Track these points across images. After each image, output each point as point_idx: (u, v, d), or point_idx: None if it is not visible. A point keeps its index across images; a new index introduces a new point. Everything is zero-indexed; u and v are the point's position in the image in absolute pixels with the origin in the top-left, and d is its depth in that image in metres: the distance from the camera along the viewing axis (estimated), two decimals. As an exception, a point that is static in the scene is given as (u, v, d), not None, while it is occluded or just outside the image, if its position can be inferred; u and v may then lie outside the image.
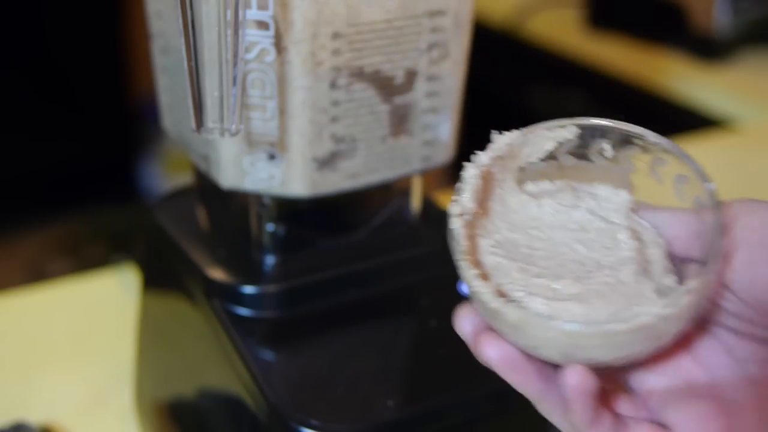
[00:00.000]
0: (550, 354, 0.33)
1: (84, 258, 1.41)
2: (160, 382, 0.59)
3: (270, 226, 0.51)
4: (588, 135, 0.38)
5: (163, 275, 0.56)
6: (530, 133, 0.38)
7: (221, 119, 0.40)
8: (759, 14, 1.32)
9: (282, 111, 0.45)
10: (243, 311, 0.48)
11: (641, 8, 1.40)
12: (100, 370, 0.68)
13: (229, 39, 0.39)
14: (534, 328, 0.32)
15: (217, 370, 0.49)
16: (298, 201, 0.48)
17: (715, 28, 1.29)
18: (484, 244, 0.37)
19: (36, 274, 1.43)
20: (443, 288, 0.52)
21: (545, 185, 0.39)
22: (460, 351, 0.48)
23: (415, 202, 0.55)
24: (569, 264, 0.36)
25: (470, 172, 0.37)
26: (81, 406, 0.65)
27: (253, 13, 0.43)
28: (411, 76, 0.48)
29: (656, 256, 0.36)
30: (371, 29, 0.45)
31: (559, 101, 1.45)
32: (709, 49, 1.30)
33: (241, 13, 0.39)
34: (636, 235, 0.37)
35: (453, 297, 0.51)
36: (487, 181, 0.38)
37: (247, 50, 0.44)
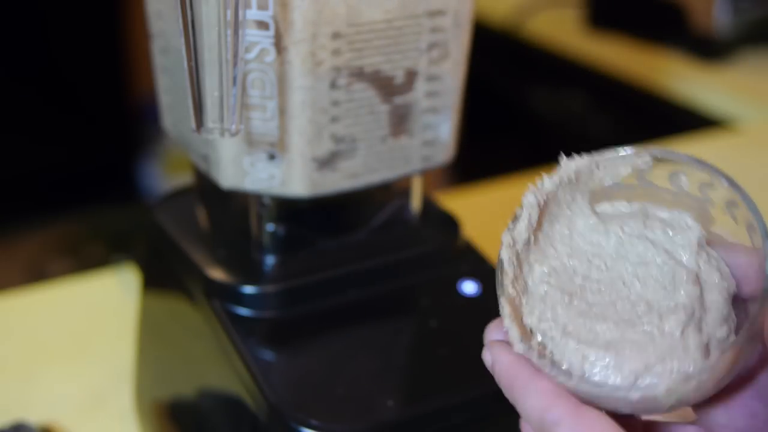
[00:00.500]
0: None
1: (84, 258, 1.41)
2: (160, 382, 0.59)
3: (270, 226, 0.51)
4: (664, 164, 0.37)
5: (163, 275, 0.56)
6: (601, 159, 0.37)
7: (221, 119, 0.40)
8: (759, 14, 1.32)
9: (282, 111, 0.45)
10: (243, 311, 0.48)
11: (641, 8, 1.40)
12: (100, 370, 0.68)
13: (229, 39, 0.39)
14: (549, 374, 0.32)
15: (217, 370, 0.49)
16: (298, 201, 0.48)
17: (715, 28, 1.29)
18: (538, 270, 0.36)
19: (36, 274, 1.43)
20: (443, 288, 0.52)
21: (620, 206, 0.38)
22: (460, 351, 0.48)
23: (415, 202, 0.55)
24: (620, 302, 0.36)
25: (529, 199, 0.36)
26: (81, 406, 0.65)
27: (253, 13, 0.43)
28: (411, 76, 0.48)
29: (716, 303, 0.35)
30: (371, 29, 0.45)
31: (559, 101, 1.45)
32: (709, 49, 1.30)
33: (241, 13, 0.39)
34: (698, 279, 0.35)
35: (453, 297, 0.51)
36: (551, 204, 0.37)
37: (247, 50, 0.44)
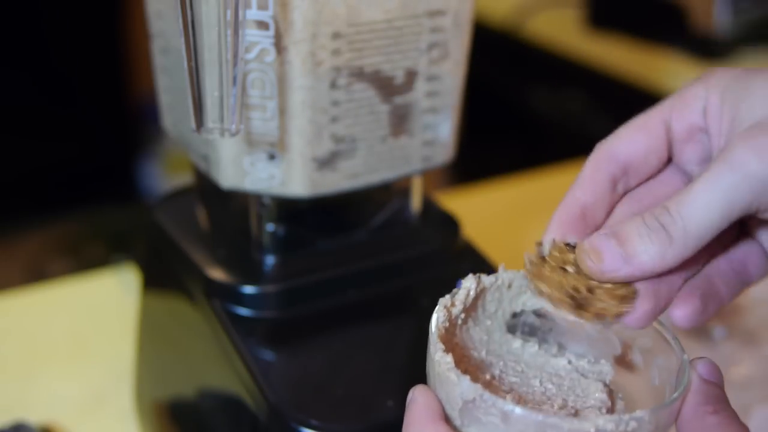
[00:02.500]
0: None
1: (84, 258, 1.41)
2: (160, 382, 0.59)
3: (270, 226, 0.51)
4: None
5: (163, 275, 0.56)
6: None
7: (221, 119, 0.40)
8: (759, 14, 1.32)
9: (282, 111, 0.45)
10: (243, 311, 0.48)
11: (641, 8, 1.40)
12: (100, 370, 0.68)
13: (229, 39, 0.39)
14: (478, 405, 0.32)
15: (217, 370, 0.49)
16: (298, 201, 0.48)
17: (715, 28, 1.29)
18: (458, 353, 0.37)
19: (36, 274, 1.43)
20: (443, 288, 0.52)
21: (533, 339, 0.39)
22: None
23: (415, 202, 0.55)
24: (536, 395, 0.37)
25: (468, 282, 0.38)
26: (81, 406, 0.65)
27: (253, 13, 0.43)
28: (411, 76, 0.48)
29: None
30: (371, 29, 0.45)
31: (559, 101, 1.45)
32: (709, 49, 1.30)
33: (241, 13, 0.39)
34: (611, 396, 0.37)
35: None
36: (478, 303, 0.38)
37: (247, 50, 0.44)
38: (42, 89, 1.86)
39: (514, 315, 0.39)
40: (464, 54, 0.50)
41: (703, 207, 0.33)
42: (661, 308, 0.35)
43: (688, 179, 0.38)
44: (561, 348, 0.39)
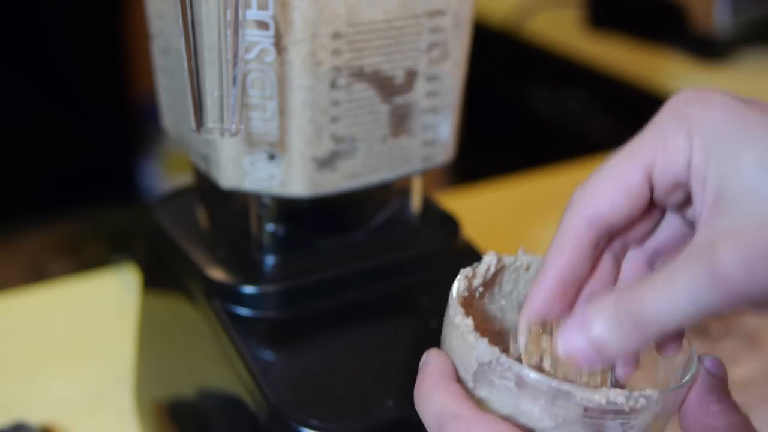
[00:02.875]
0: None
1: (84, 258, 1.41)
2: (160, 382, 0.59)
3: (270, 226, 0.51)
4: None
5: (163, 275, 0.56)
6: None
7: (221, 119, 0.40)
8: (759, 14, 1.32)
9: (282, 111, 0.45)
10: (243, 311, 0.48)
11: (641, 8, 1.40)
12: (100, 370, 0.68)
13: (229, 39, 0.39)
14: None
15: (217, 370, 0.49)
16: (298, 201, 0.48)
17: (715, 28, 1.29)
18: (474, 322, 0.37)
19: (36, 274, 1.43)
20: (443, 288, 0.52)
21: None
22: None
23: (415, 202, 0.55)
24: (546, 373, 0.37)
25: (488, 258, 0.39)
26: (81, 406, 0.65)
27: (253, 13, 0.43)
28: (411, 76, 0.48)
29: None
30: (371, 29, 0.45)
31: (559, 101, 1.45)
32: (709, 49, 1.30)
33: (241, 13, 0.39)
34: (618, 381, 0.38)
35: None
36: (495, 281, 0.39)
37: (247, 50, 0.44)
38: (42, 89, 1.86)
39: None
40: (464, 54, 0.50)
41: (673, 307, 0.31)
42: (634, 355, 0.37)
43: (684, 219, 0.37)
44: None
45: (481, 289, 0.39)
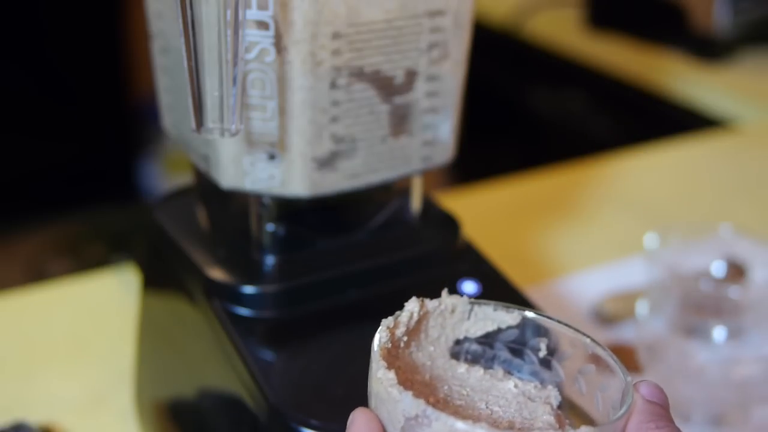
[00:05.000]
0: None
1: (84, 258, 1.41)
2: (160, 382, 0.59)
3: (270, 226, 0.51)
4: (529, 327, 0.38)
5: (163, 275, 0.56)
6: (476, 305, 0.38)
7: (221, 119, 0.40)
8: (759, 14, 1.33)
9: (282, 111, 0.45)
10: (243, 311, 0.48)
11: (641, 8, 1.40)
12: (100, 370, 0.68)
13: (229, 39, 0.39)
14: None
15: (217, 370, 0.49)
16: (298, 201, 0.48)
17: (715, 28, 1.29)
18: (401, 375, 0.36)
19: (36, 274, 1.43)
20: (443, 288, 0.52)
21: (478, 366, 0.39)
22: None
23: (415, 202, 0.55)
24: (482, 417, 0.37)
25: (411, 305, 0.38)
26: (81, 406, 0.65)
27: (253, 13, 0.43)
28: (411, 76, 0.48)
29: None
30: (371, 29, 0.45)
31: (559, 101, 1.45)
32: (709, 49, 1.30)
33: (241, 13, 0.39)
34: (559, 419, 0.37)
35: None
36: (421, 328, 0.38)
37: (247, 50, 0.44)
38: (42, 89, 1.86)
39: (457, 342, 0.39)
40: (464, 54, 0.50)
41: None
42: None
43: None
44: (506, 374, 0.39)
45: (405, 338, 0.37)
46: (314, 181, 0.47)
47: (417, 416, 0.31)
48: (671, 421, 0.35)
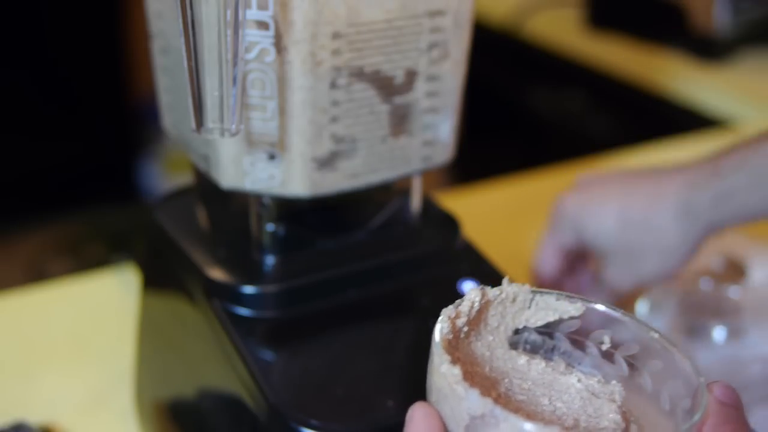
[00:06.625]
0: None
1: (84, 258, 1.41)
2: (160, 382, 0.59)
3: (270, 226, 0.51)
4: (592, 318, 0.37)
5: (163, 275, 0.56)
6: (538, 294, 0.37)
7: (221, 119, 0.40)
8: (759, 14, 1.33)
9: (282, 111, 0.45)
10: (243, 311, 0.48)
11: (641, 8, 1.40)
12: (100, 370, 0.68)
13: (229, 39, 0.39)
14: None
15: (217, 370, 0.49)
16: (298, 201, 0.48)
17: (715, 28, 1.29)
18: (462, 367, 0.35)
19: (36, 274, 1.43)
20: (443, 288, 0.52)
21: (538, 358, 0.38)
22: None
23: (415, 202, 0.55)
24: (546, 413, 0.35)
25: (472, 295, 0.36)
26: (81, 406, 0.65)
27: (253, 13, 0.43)
28: (411, 76, 0.48)
29: None
30: (371, 29, 0.45)
31: (559, 101, 1.45)
32: (709, 49, 1.30)
33: (241, 13, 0.39)
34: (625, 417, 0.35)
35: (453, 297, 0.51)
36: (481, 317, 0.37)
37: (247, 50, 0.44)
38: (42, 89, 1.86)
39: (516, 331, 0.38)
40: (464, 54, 0.50)
41: None
42: None
43: None
44: (568, 366, 0.38)
45: (465, 328, 0.36)
46: (314, 181, 0.47)
47: (483, 415, 0.30)
48: (746, 423, 0.34)
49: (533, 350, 0.38)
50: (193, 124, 0.40)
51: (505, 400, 0.35)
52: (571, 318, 0.37)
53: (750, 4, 1.31)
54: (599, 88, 1.37)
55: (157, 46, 0.52)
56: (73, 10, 1.83)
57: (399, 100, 0.48)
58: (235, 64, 0.39)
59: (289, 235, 0.51)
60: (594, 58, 1.37)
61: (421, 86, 0.48)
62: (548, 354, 0.38)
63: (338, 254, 0.52)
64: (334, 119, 0.46)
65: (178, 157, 1.87)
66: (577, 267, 0.69)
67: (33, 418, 0.61)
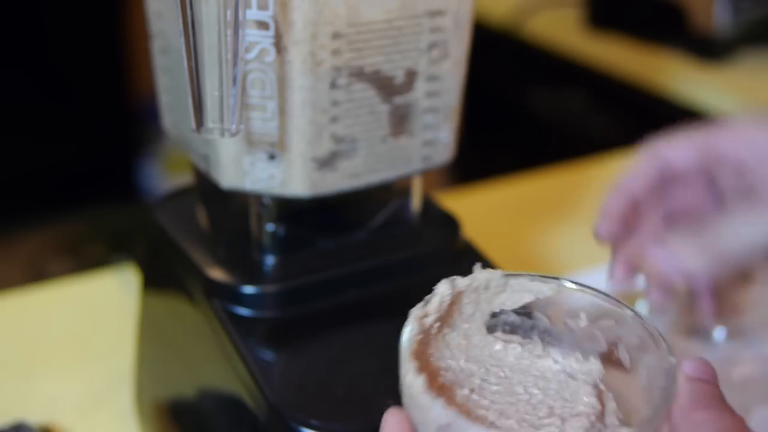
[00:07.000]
0: None
1: (84, 258, 1.41)
2: (160, 382, 0.59)
3: (270, 226, 0.51)
4: (567, 297, 0.37)
5: (163, 275, 0.56)
6: (511, 277, 0.38)
7: (221, 119, 0.40)
8: (759, 14, 1.32)
9: (282, 111, 0.45)
10: (243, 311, 0.48)
11: (641, 8, 1.40)
12: (100, 370, 0.68)
13: (229, 39, 0.39)
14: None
15: (217, 370, 0.49)
16: (298, 201, 0.48)
17: (715, 28, 1.29)
18: (434, 366, 0.36)
19: (36, 274, 1.43)
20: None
21: (515, 339, 0.38)
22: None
23: (415, 202, 0.55)
24: (521, 404, 0.35)
25: (443, 288, 0.37)
26: (81, 406, 0.65)
27: (253, 13, 0.43)
28: (411, 76, 0.48)
29: (613, 423, 0.35)
30: (371, 29, 0.45)
31: (559, 101, 1.45)
32: (709, 49, 1.30)
33: (241, 13, 0.39)
34: (600, 398, 0.36)
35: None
36: (454, 308, 0.37)
37: (247, 50, 0.44)
38: (42, 89, 1.86)
39: (493, 315, 0.38)
40: (464, 54, 0.50)
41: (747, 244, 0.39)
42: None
43: (717, 198, 0.44)
44: (546, 346, 0.38)
45: (437, 324, 0.36)
46: (314, 181, 0.47)
47: (449, 424, 0.31)
48: (721, 399, 0.32)
49: (512, 331, 0.39)
50: (193, 124, 0.40)
51: (479, 393, 0.36)
52: (548, 298, 0.38)
53: (750, 4, 1.31)
54: (599, 88, 1.37)
55: (157, 46, 0.52)
56: (73, 10, 1.83)
57: (399, 100, 0.48)
58: (235, 64, 0.39)
59: (289, 235, 0.51)
60: (594, 58, 1.37)
61: (421, 86, 0.48)
62: (527, 333, 0.39)
63: (338, 254, 0.52)
64: (334, 119, 0.46)
65: (178, 157, 1.86)
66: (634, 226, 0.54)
67: (33, 418, 0.61)
